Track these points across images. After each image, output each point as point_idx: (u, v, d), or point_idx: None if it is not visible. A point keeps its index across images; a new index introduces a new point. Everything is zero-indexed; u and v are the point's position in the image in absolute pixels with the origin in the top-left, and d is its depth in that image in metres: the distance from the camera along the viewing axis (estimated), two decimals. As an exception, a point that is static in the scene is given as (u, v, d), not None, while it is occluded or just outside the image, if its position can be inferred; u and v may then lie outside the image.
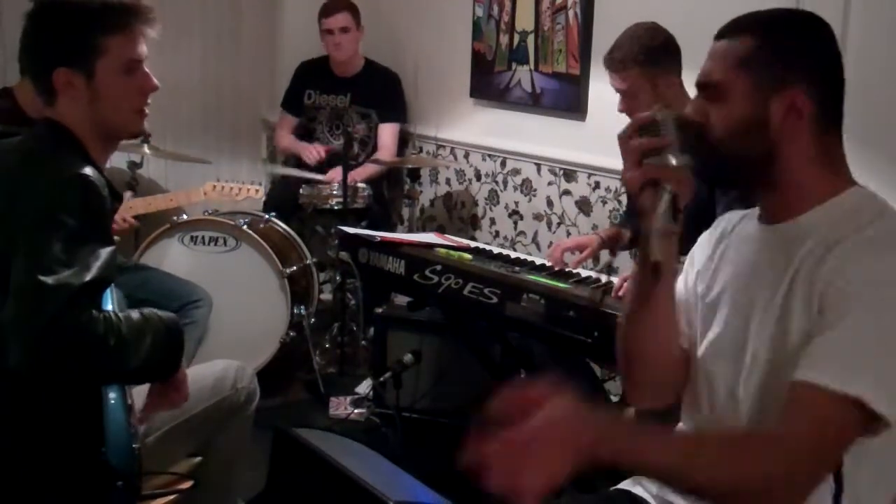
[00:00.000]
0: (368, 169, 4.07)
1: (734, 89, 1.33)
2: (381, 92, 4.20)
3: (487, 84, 3.95)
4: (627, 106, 2.73)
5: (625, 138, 1.35)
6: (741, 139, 1.33)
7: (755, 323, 1.34)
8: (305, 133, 4.35)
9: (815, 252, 1.28)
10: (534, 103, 3.75)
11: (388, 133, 4.23)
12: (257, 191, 3.68)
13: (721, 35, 1.38)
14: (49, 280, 1.52)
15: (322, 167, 4.08)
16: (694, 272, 1.51)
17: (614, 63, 2.70)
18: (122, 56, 1.76)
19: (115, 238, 1.81)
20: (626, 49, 2.68)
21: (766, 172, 1.35)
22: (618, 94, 2.76)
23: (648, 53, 2.66)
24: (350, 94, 4.24)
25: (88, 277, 1.56)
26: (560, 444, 1.08)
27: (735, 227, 1.48)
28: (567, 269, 2.59)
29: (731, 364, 1.37)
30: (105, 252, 1.62)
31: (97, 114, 1.77)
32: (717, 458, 1.17)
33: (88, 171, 1.68)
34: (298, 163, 4.25)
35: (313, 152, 4.14)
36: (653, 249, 1.31)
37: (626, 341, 1.48)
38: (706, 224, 1.58)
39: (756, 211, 1.45)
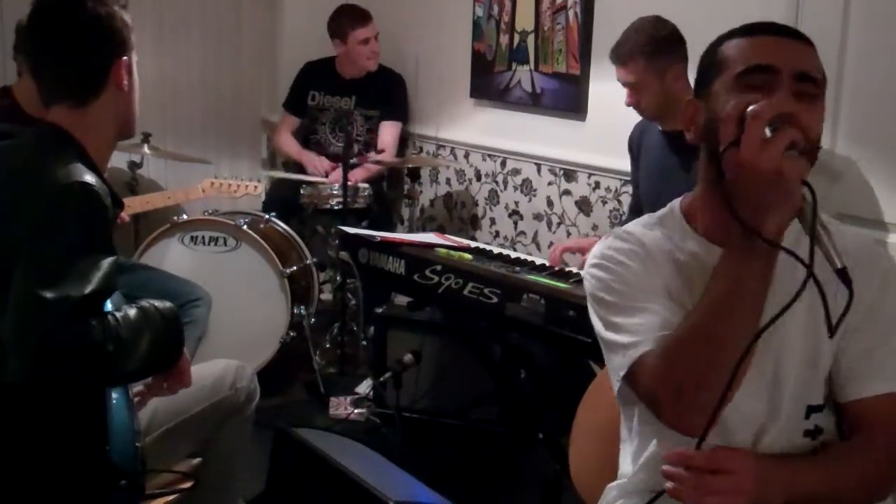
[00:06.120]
0: (369, 169, 4.07)
1: (823, 95, 1.34)
2: (386, 93, 4.19)
3: (487, 84, 3.94)
4: (635, 100, 2.72)
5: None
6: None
7: None
8: (308, 134, 4.35)
9: None
10: (534, 103, 3.74)
11: (389, 131, 4.22)
12: (256, 187, 3.67)
13: (793, 35, 1.36)
14: (48, 294, 1.50)
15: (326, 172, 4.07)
16: None
17: (621, 56, 2.68)
18: (135, 51, 1.83)
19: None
20: (633, 41, 2.67)
21: None
22: (624, 90, 2.75)
23: (654, 44, 2.66)
24: (355, 96, 4.23)
25: (89, 290, 1.54)
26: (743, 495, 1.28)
27: None
28: (567, 269, 2.59)
29: None
30: (106, 262, 1.60)
31: (129, 108, 1.81)
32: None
33: (90, 178, 1.65)
34: (299, 169, 4.24)
35: (318, 167, 4.10)
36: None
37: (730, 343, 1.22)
38: None
39: None
